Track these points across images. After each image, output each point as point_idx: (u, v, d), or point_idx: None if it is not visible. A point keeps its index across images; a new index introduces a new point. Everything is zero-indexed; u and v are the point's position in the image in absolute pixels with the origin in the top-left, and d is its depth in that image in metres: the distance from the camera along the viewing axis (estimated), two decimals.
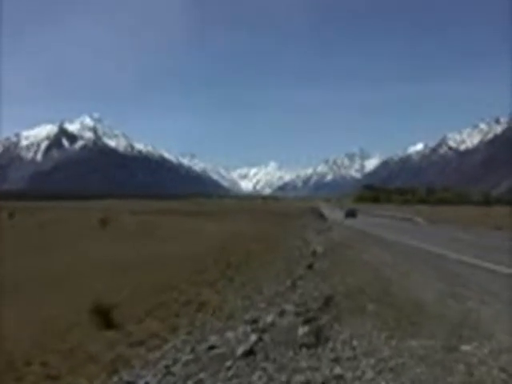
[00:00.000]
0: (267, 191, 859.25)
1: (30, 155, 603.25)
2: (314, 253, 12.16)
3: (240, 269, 12.07)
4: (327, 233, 20.16)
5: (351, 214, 37.92)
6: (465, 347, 3.63)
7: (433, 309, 4.87)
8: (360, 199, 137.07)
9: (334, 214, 47.32)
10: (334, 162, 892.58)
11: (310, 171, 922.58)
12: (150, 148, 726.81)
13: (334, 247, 12.78)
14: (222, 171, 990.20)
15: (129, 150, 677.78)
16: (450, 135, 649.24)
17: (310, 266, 9.52)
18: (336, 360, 3.68)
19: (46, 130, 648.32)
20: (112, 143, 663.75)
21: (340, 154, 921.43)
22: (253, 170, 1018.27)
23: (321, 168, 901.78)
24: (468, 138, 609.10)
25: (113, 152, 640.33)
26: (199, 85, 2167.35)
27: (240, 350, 4.33)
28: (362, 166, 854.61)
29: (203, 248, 17.52)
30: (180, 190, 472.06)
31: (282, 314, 5.63)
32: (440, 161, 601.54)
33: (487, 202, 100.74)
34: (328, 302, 5.58)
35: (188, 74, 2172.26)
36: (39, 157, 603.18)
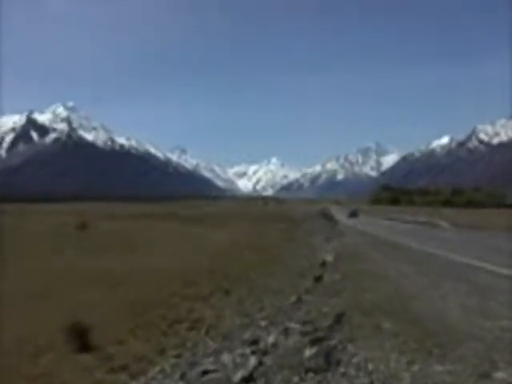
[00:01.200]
0: (269, 192, 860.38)
1: None
2: (323, 263, 12.19)
3: (238, 281, 12.09)
4: (338, 240, 20.19)
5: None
6: (499, 374, 3.61)
7: (461, 328, 4.88)
8: (376, 201, 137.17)
9: (346, 218, 47.39)
10: (346, 159, 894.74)
11: (318, 169, 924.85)
12: (133, 142, 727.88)
13: (347, 257, 12.80)
14: (217, 169, 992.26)
15: (109, 144, 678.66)
16: (480, 127, 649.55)
17: (318, 279, 9.54)
18: None
19: (11, 120, 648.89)
20: (89, 136, 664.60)
21: (353, 149, 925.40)
22: (252, 168, 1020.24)
23: (331, 165, 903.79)
24: (502, 130, 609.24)
25: (90, 146, 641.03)
26: (190, 70, 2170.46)
27: (238, 376, 4.33)
28: (379, 163, 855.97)
29: (195, 258, 17.53)
30: (168, 191, 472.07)
31: (285, 333, 5.64)
32: (469, 156, 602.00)
33: None
34: (339, 319, 5.59)
35: (177, 58, 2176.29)
36: (3, 152, 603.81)
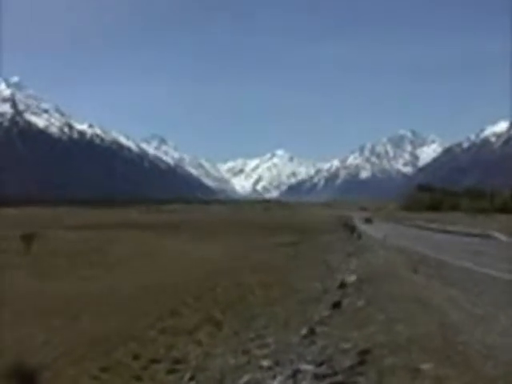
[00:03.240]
0: (273, 193, 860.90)
1: None
2: (343, 285, 12.21)
3: (232, 309, 12.10)
4: (363, 257, 20.23)
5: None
6: None
7: None
8: (411, 206, 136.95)
9: (374, 228, 47.49)
10: (373, 151, 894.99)
11: (336, 164, 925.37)
12: (97, 129, 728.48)
13: (374, 277, 12.79)
14: (206, 164, 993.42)
15: (66, 131, 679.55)
16: None
17: (336, 305, 9.55)
18: None
19: None
20: (39, 121, 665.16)
21: (381, 139, 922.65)
22: (252, 163, 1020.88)
23: (353, 159, 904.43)
24: None
25: (40, 134, 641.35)
26: (171, 38, 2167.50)
27: None
28: (415, 157, 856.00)
29: (177, 279, 17.53)
30: (142, 192, 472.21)
31: (295, 376, 5.64)
32: None
33: None
34: (364, 358, 5.59)
35: (154, 21, 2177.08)
36: None
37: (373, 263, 16.74)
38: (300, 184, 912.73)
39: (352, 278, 12.91)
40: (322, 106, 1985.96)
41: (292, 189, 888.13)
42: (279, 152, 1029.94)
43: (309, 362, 6.09)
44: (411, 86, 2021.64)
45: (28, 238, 29.50)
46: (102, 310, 12.26)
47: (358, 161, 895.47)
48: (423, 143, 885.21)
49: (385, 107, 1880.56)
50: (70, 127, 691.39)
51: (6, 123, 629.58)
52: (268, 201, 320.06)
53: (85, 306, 12.70)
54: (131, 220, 72.39)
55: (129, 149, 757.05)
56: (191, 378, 7.13)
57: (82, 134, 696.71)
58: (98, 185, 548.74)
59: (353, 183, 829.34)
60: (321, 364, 5.86)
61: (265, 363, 7.01)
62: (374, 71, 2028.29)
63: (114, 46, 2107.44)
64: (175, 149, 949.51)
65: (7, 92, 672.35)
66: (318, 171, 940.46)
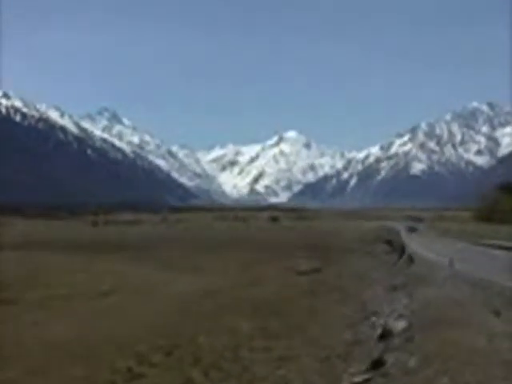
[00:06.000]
0: (281, 197, 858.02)
1: None
2: (386, 334, 12.24)
3: (220, 369, 12.10)
4: (414, 291, 20.28)
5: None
6: None
7: None
8: (490, 216, 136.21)
9: (431, 248, 47.46)
10: (430, 133, 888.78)
11: (374, 152, 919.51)
12: (16, 101, 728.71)
13: (432, 322, 12.84)
14: (181, 153, 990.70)
15: None
16: None
17: (376, 364, 9.57)
18: None
19: None
20: None
21: (443, 116, 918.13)
22: (249, 151, 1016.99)
23: (399, 146, 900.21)
24: None
25: None
26: None
27: None
28: (493, 141, 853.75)
29: (140, 324, 17.53)
30: (84, 193, 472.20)
31: None
32: None
33: None
34: None
35: None
36: None
37: (431, 302, 16.76)
38: (321, 182, 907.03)
39: (400, 325, 12.93)
40: (355, 68, 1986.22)
41: (309, 189, 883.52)
42: (290, 134, 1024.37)
43: None
44: (487, 37, 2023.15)
45: None
46: (26, 365, 12.26)
47: (408, 148, 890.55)
48: (506, 122, 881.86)
49: (449, 69, 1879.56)
50: None
51: None
52: (274, 207, 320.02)
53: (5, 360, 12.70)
54: (69, 236, 72.38)
55: (64, 129, 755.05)
56: None
57: None
58: (18, 184, 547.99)
59: (400, 181, 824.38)
60: None
61: None
62: (433, 18, 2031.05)
63: None
64: (134, 129, 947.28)
65: None
66: (348, 163, 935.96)
